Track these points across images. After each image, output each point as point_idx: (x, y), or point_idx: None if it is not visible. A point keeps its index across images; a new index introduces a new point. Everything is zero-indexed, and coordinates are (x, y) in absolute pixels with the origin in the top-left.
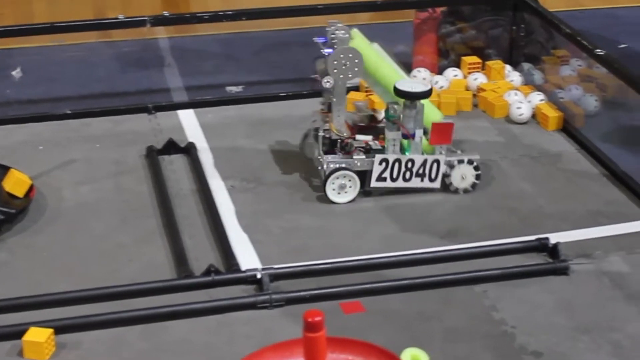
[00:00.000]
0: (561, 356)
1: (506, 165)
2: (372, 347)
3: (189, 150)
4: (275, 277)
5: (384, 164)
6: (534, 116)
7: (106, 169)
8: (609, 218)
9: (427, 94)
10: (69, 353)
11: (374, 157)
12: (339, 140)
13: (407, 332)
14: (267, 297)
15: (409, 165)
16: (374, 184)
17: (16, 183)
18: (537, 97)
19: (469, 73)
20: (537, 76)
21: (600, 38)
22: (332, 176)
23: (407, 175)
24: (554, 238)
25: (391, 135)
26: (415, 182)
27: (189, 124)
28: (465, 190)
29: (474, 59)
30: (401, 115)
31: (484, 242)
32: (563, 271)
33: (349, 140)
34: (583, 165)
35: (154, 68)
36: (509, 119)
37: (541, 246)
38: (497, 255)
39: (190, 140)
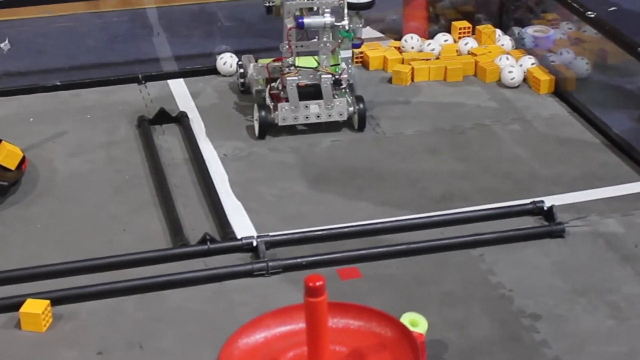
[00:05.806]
0: (559, 318)
1: (499, 130)
2: (373, 311)
3: (181, 120)
4: (271, 244)
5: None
6: (525, 80)
7: (98, 140)
8: (603, 180)
9: (372, 4)
10: (66, 324)
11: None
12: (333, 80)
13: (405, 297)
14: (263, 264)
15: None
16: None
17: (8, 155)
18: (529, 61)
19: (460, 38)
20: (528, 40)
21: (590, 0)
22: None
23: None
24: (548, 201)
25: (348, 53)
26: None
27: (180, 93)
28: None
29: (464, 23)
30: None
31: (479, 207)
32: (559, 234)
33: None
34: (575, 128)
35: (143, 38)
36: (500, 83)
37: (536, 209)
38: (493, 219)
39: (182, 109)
